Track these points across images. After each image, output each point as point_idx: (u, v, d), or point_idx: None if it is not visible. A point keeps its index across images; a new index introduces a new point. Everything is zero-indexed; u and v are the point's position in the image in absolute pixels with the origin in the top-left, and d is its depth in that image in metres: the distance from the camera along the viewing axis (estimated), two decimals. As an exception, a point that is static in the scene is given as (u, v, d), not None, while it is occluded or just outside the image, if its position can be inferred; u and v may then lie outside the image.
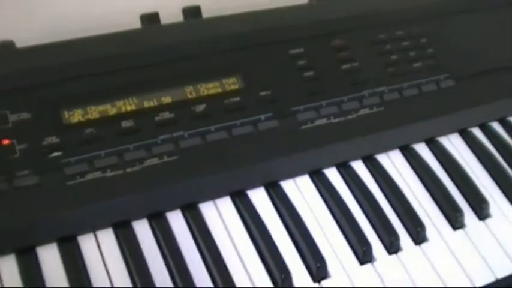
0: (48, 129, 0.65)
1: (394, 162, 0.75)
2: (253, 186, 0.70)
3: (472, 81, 0.81)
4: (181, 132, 0.67)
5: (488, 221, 0.73)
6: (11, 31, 0.78)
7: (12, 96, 0.65)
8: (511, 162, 0.79)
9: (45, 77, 0.67)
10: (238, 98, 0.70)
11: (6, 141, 0.63)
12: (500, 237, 0.71)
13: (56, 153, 0.64)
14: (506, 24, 0.89)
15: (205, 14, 0.83)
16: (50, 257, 0.62)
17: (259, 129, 0.69)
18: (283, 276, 0.63)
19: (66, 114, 0.66)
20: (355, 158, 0.74)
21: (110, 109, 0.67)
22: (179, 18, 0.83)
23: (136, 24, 0.81)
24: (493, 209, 0.74)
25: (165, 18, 0.81)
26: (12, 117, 0.64)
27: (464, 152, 0.79)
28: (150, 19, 0.81)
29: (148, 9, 0.83)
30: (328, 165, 0.73)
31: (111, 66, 0.70)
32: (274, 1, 0.88)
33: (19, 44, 0.73)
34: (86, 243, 0.63)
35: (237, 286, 0.62)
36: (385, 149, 0.76)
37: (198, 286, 0.62)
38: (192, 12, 0.84)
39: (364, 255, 0.66)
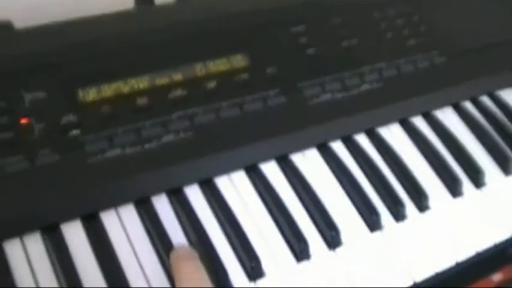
0: (65, 108, 0.65)
1: (394, 135, 0.77)
2: (265, 160, 0.71)
3: (462, 58, 0.84)
4: (195, 109, 0.68)
5: (484, 189, 0.75)
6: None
7: (25, 76, 0.66)
8: (500, 133, 0.81)
9: (56, 57, 0.68)
10: (246, 75, 0.72)
11: (24, 120, 0.64)
12: (497, 202, 0.74)
13: (74, 131, 0.64)
14: (493, 1, 0.92)
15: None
16: (75, 234, 0.62)
17: (268, 105, 0.71)
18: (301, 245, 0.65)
19: (80, 93, 0.66)
20: (359, 132, 0.76)
21: (123, 87, 0.68)
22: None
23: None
24: (487, 178, 0.76)
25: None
26: (28, 97, 0.64)
27: (458, 124, 0.81)
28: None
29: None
30: (334, 139, 0.74)
31: (121, 45, 0.71)
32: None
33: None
34: (109, 219, 0.64)
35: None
36: (386, 122, 0.77)
37: (221, 256, 0.63)
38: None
39: (375, 222, 0.69)
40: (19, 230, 0.61)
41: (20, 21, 0.75)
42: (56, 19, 0.75)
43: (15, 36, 0.70)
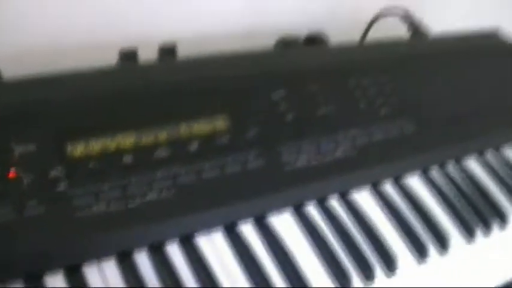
0: (54, 161, 0.67)
1: (365, 199, 0.81)
2: (243, 219, 0.74)
3: (431, 127, 0.88)
4: (178, 169, 0.71)
5: (448, 254, 0.80)
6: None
7: (16, 128, 0.68)
8: (465, 199, 0.86)
9: (46, 110, 0.70)
10: (227, 137, 0.75)
11: (13, 171, 0.65)
12: (460, 268, 0.79)
13: (62, 185, 0.66)
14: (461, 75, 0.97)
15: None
16: (57, 285, 0.64)
17: (247, 167, 0.74)
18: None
19: (69, 147, 0.69)
20: (332, 195, 0.80)
21: (110, 143, 0.70)
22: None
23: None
24: (452, 243, 0.82)
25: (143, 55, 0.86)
26: (18, 149, 0.67)
27: (424, 190, 0.86)
28: (128, 55, 0.85)
29: (126, 43, 0.87)
30: (309, 201, 0.78)
31: (108, 101, 0.73)
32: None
33: None
34: (91, 272, 0.66)
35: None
36: (358, 186, 0.82)
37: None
38: (168, 51, 0.88)
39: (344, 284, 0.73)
40: (3, 278, 0.62)
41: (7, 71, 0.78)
42: (43, 70, 0.78)
43: (3, 86, 0.73)
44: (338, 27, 1.04)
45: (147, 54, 0.87)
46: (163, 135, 0.72)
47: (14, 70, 0.78)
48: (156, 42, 0.89)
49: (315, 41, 1.00)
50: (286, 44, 0.98)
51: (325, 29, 1.06)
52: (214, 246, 0.71)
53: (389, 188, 0.84)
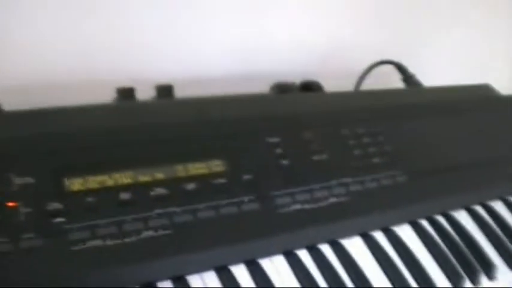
0: (51, 195, 0.68)
1: (355, 246, 0.82)
2: (235, 262, 0.74)
3: (422, 178, 0.90)
4: (174, 208, 0.72)
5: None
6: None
7: (16, 160, 0.69)
8: (452, 250, 0.87)
9: (46, 144, 0.71)
10: (223, 179, 0.76)
11: (11, 203, 0.66)
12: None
13: (59, 219, 0.67)
14: (455, 128, 0.99)
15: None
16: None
17: (242, 210, 0.75)
18: None
19: (67, 182, 0.69)
20: (323, 241, 0.80)
21: (108, 180, 0.71)
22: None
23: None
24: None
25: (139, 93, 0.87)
26: (17, 181, 0.67)
27: (414, 240, 0.86)
28: (125, 93, 0.87)
29: (123, 82, 0.88)
30: (300, 247, 0.79)
31: (107, 138, 0.74)
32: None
33: None
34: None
35: None
36: (349, 234, 0.82)
37: None
38: (166, 91, 0.90)
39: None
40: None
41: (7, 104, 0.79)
42: (42, 104, 0.79)
43: (4, 118, 0.74)
44: (330, 77, 1.05)
45: (144, 93, 0.88)
46: (160, 174, 0.73)
47: (15, 103, 0.79)
48: (152, 82, 0.90)
49: (310, 87, 1.01)
50: (282, 89, 0.99)
51: (318, 79, 1.07)
52: (205, 286, 0.71)
53: (379, 236, 0.84)
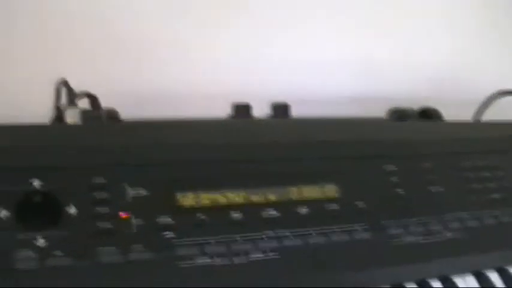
0: (163, 208, 0.68)
1: (467, 285, 0.78)
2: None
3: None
4: (285, 231, 0.70)
5: None
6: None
7: (131, 171, 0.68)
8: None
9: (162, 156, 0.71)
10: (336, 206, 0.74)
11: (124, 214, 0.66)
12: None
13: (169, 233, 0.66)
14: None
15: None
16: None
17: (353, 238, 0.73)
18: None
19: (179, 197, 0.69)
20: (433, 277, 0.77)
21: (221, 198, 0.70)
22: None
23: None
24: None
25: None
26: (131, 192, 0.67)
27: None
28: (242, 110, 0.85)
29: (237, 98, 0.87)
30: (409, 281, 0.75)
31: (222, 155, 0.73)
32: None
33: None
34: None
35: None
36: (462, 272, 0.79)
37: None
38: (282, 110, 0.88)
39: None
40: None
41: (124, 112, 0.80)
42: (158, 115, 0.78)
43: (121, 128, 0.74)
44: (447, 105, 1.01)
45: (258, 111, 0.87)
46: (272, 195, 0.72)
47: (131, 113, 0.79)
48: (267, 100, 0.89)
49: (429, 115, 0.98)
50: (400, 115, 0.96)
51: (434, 105, 1.03)
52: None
53: (494, 277, 0.80)
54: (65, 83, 0.80)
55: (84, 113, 0.78)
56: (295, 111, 0.90)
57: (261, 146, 0.76)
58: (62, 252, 0.62)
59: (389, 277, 0.75)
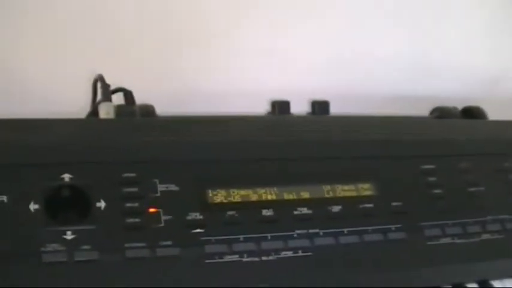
0: (193, 204, 0.67)
1: (507, 289, 0.76)
2: (375, 292, 0.70)
3: None
4: (317, 230, 0.69)
5: None
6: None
7: (162, 167, 0.68)
8: None
9: (193, 153, 0.70)
10: (371, 205, 0.72)
11: (153, 209, 0.65)
12: None
13: (198, 230, 0.65)
14: None
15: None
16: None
17: (388, 238, 0.71)
18: None
19: (210, 193, 0.68)
20: (471, 281, 0.74)
21: (252, 195, 0.69)
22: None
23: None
24: None
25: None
26: (161, 187, 0.66)
27: None
28: (281, 107, 0.84)
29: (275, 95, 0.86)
30: (447, 284, 0.73)
31: (256, 152, 0.72)
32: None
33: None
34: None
35: None
36: (501, 276, 0.76)
37: None
38: (321, 107, 0.86)
39: None
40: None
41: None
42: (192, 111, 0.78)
43: (157, 123, 0.73)
44: (494, 104, 0.98)
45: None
46: (305, 193, 0.70)
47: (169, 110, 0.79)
48: (306, 97, 0.87)
49: (472, 114, 0.95)
50: (442, 114, 0.94)
51: (481, 105, 1.01)
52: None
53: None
54: (100, 78, 0.79)
55: (119, 108, 0.77)
56: (336, 109, 0.88)
57: (295, 143, 0.74)
58: (90, 246, 0.62)
59: (423, 279, 0.73)
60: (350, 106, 0.94)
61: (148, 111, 0.81)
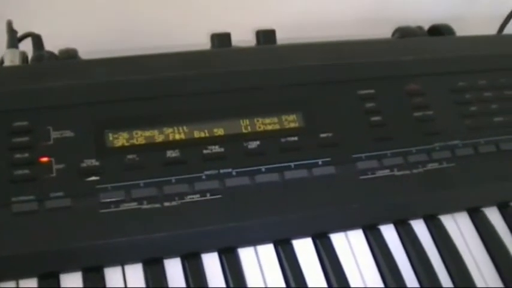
0: (90, 151, 0.62)
1: (459, 226, 0.67)
2: (300, 235, 0.63)
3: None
4: (229, 170, 0.62)
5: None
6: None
7: (56, 112, 0.63)
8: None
9: (94, 95, 0.64)
10: (296, 138, 0.65)
11: (44, 159, 0.60)
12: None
13: (93, 178, 0.60)
14: None
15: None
16: (73, 286, 0.58)
17: (313, 175, 0.64)
18: None
19: (110, 137, 0.62)
20: (415, 217, 0.67)
21: (157, 136, 0.63)
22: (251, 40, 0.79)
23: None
24: None
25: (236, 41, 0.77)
26: (55, 134, 0.61)
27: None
28: (221, 40, 0.76)
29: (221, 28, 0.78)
30: (385, 222, 0.66)
31: (163, 90, 0.66)
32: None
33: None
34: (112, 276, 0.59)
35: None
36: (452, 210, 0.68)
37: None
38: (266, 37, 0.78)
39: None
40: (16, 274, 0.58)
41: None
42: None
43: (55, 68, 0.69)
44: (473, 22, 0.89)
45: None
46: (219, 130, 0.63)
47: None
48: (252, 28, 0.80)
49: (439, 32, 0.86)
50: (405, 34, 0.85)
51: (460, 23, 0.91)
52: (259, 261, 0.63)
53: (492, 213, 0.69)
54: (8, 24, 0.74)
55: (23, 55, 0.72)
56: (295, 36, 0.80)
57: (212, 77, 0.67)
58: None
59: (358, 218, 0.66)
60: (311, 32, 0.86)
61: (69, 55, 0.74)
